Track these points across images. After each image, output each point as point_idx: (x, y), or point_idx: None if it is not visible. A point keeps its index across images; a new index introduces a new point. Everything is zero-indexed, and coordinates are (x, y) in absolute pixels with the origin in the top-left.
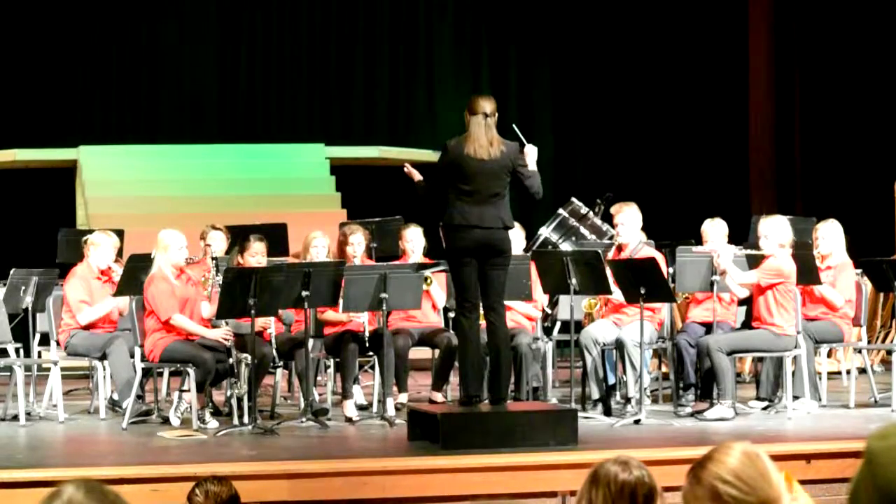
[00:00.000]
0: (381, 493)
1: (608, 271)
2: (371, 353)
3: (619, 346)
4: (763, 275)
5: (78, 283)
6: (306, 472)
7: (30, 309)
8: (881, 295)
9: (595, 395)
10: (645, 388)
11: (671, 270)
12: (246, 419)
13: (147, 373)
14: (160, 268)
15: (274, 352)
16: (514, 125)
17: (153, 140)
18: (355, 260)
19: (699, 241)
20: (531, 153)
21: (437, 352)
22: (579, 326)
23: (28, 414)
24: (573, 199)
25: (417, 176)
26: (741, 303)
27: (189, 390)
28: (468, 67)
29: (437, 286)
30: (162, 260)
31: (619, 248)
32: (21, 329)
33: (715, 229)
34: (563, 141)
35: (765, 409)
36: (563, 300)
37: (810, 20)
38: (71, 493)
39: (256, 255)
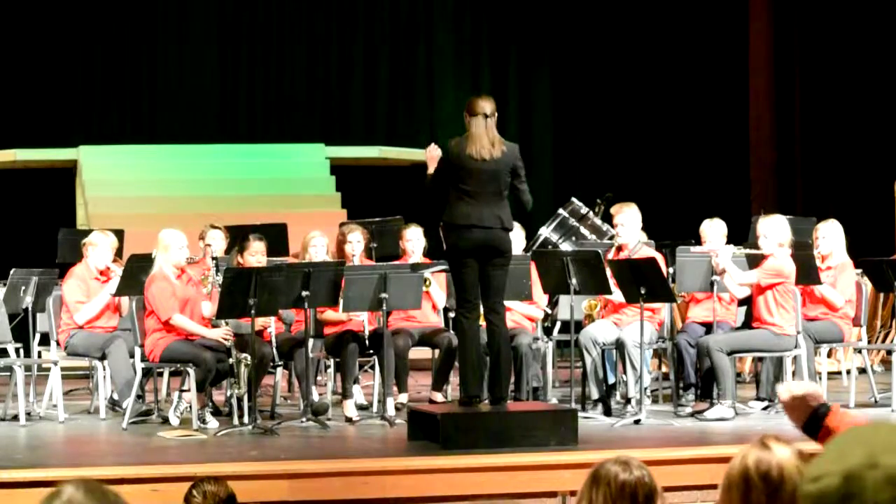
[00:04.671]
0: (381, 493)
1: (608, 271)
2: (371, 353)
3: (620, 346)
4: (763, 275)
5: (75, 283)
6: (306, 472)
7: (30, 309)
8: (881, 295)
9: (595, 395)
10: (645, 388)
11: (671, 270)
12: (246, 419)
13: (147, 373)
14: (161, 268)
15: (274, 352)
16: None
17: (153, 140)
18: (354, 259)
19: (699, 242)
20: None
21: (437, 352)
22: (579, 326)
23: (28, 414)
24: (573, 199)
25: (433, 165)
26: (741, 303)
27: (189, 390)
28: (468, 67)
29: (437, 286)
30: (162, 260)
31: (619, 249)
32: (21, 329)
33: (713, 229)
34: (563, 141)
35: (765, 409)
36: (563, 300)
37: (810, 20)
38: (71, 493)
39: (256, 254)
